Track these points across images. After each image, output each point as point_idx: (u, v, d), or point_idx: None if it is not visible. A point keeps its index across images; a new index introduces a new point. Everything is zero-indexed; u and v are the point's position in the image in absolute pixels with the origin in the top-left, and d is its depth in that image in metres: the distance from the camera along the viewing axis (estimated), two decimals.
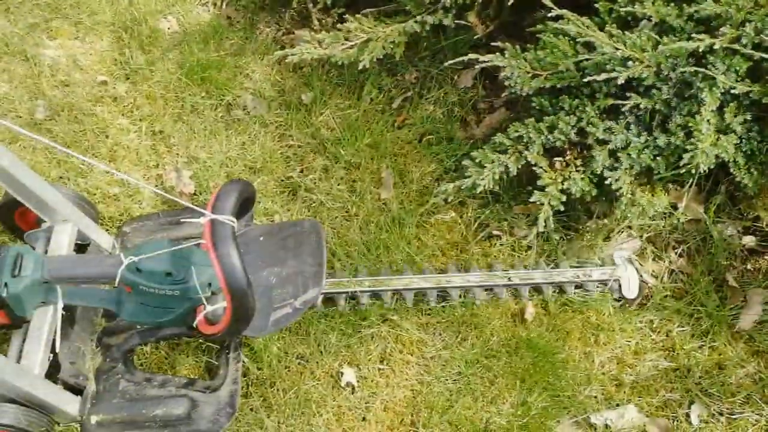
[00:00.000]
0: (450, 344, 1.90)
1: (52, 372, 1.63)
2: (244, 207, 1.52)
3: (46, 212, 1.68)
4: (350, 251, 2.04)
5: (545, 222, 1.91)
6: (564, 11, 1.87)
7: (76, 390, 1.67)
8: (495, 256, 2.06)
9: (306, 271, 1.85)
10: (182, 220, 1.92)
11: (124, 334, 1.79)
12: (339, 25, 2.18)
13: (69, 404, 1.61)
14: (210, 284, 1.59)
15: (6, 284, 1.52)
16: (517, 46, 1.96)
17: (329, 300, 1.94)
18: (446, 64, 2.12)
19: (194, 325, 1.66)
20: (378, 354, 1.89)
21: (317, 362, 1.87)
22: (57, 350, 1.64)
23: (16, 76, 2.37)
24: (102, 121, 2.28)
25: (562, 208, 1.93)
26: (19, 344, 1.63)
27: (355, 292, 1.92)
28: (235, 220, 1.45)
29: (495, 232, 2.10)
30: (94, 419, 1.65)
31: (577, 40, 1.92)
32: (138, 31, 2.46)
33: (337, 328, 1.90)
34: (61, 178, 2.16)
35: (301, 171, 2.21)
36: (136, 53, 2.42)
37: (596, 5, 1.98)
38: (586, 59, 1.90)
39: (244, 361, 1.83)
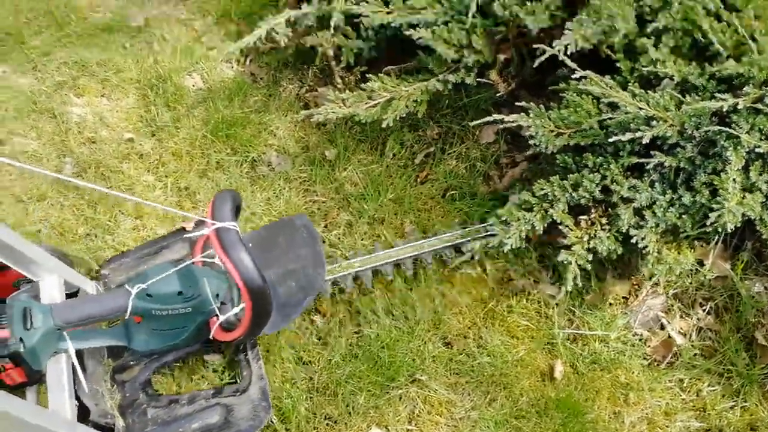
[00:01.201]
0: (479, 405, 1.89)
1: (81, 417, 1.64)
2: (236, 214, 1.62)
3: (31, 268, 1.67)
4: (376, 308, 2.04)
5: (573, 281, 1.91)
6: (588, 72, 1.90)
7: (108, 430, 1.69)
8: (522, 313, 2.06)
9: (305, 263, 1.94)
10: (186, 235, 1.99)
11: (136, 366, 1.83)
12: (362, 85, 2.21)
13: None
14: (218, 294, 1.68)
15: (21, 339, 1.52)
16: (541, 106, 1.98)
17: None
18: (471, 124, 2.15)
19: (210, 338, 1.75)
20: (406, 415, 1.87)
21: (346, 423, 1.85)
22: (82, 394, 1.66)
23: (44, 134, 2.41)
24: (128, 177, 2.31)
25: (589, 267, 1.93)
26: (34, 397, 1.65)
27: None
28: (236, 224, 1.55)
29: (520, 287, 2.10)
30: None
31: (601, 99, 1.95)
32: (163, 88, 2.51)
33: (365, 388, 1.89)
34: (88, 234, 2.18)
35: (326, 226, 2.23)
36: (161, 110, 2.46)
37: (618, 64, 2.01)
38: (610, 118, 1.93)
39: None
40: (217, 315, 1.71)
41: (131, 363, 1.83)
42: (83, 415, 1.67)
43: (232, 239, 1.53)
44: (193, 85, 2.55)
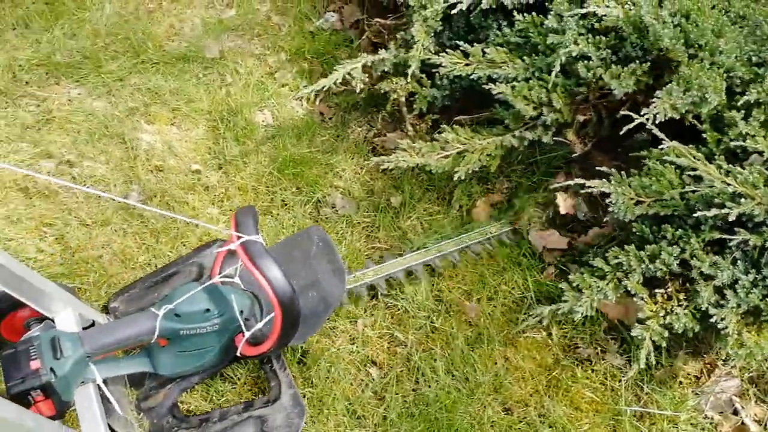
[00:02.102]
0: None
1: None
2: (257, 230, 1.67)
3: (45, 303, 1.66)
4: (436, 366, 1.99)
5: (646, 358, 1.83)
6: (675, 143, 1.84)
7: None
8: (587, 384, 1.98)
9: (324, 273, 1.99)
10: (214, 251, 2.00)
11: (161, 392, 1.82)
12: (436, 135, 2.19)
13: None
14: (242, 311, 1.71)
15: (52, 369, 1.50)
16: (623, 173, 1.93)
17: None
18: (551, 186, 2.10)
19: (238, 354, 1.77)
20: None
21: None
22: (114, 422, 1.64)
23: (113, 159, 2.43)
24: (192, 209, 2.31)
25: (664, 344, 1.85)
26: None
27: None
28: (261, 236, 1.60)
29: (586, 356, 2.03)
30: None
31: (685, 170, 1.89)
32: (234, 122, 2.52)
33: None
34: (148, 264, 2.18)
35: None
36: (230, 144, 2.46)
37: (704, 135, 1.95)
38: (693, 191, 1.86)
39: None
40: (242, 331, 1.73)
41: (154, 391, 1.83)
42: None
43: (260, 251, 1.58)
44: (263, 121, 2.55)
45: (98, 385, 1.63)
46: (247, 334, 1.72)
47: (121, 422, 1.69)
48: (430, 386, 1.95)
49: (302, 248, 2.07)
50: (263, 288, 1.55)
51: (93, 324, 1.80)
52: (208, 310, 1.66)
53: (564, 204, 2.24)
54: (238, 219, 1.64)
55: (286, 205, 2.33)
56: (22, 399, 1.50)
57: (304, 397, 1.93)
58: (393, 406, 1.92)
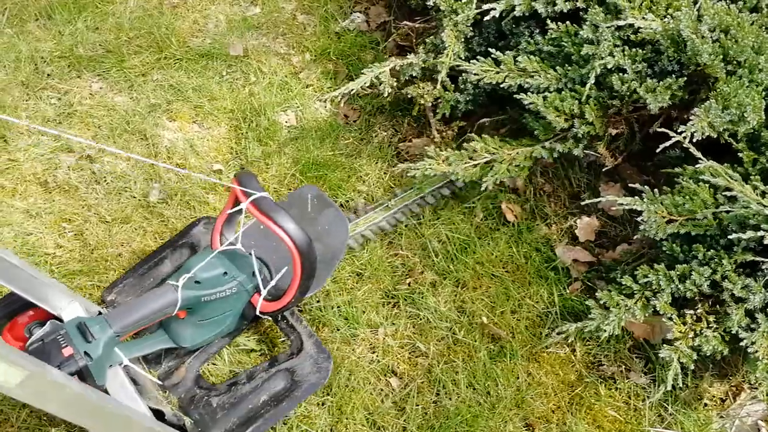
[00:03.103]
0: None
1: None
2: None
3: (52, 300, 1.67)
4: (457, 379, 1.96)
5: (674, 380, 1.80)
6: (712, 162, 1.80)
7: (180, 428, 1.72)
8: (610, 402, 1.95)
9: (325, 225, 2.02)
10: (228, 212, 1.94)
11: (181, 367, 1.85)
12: (465, 145, 2.15)
13: None
14: (253, 273, 1.79)
15: (86, 353, 1.52)
16: (655, 190, 1.89)
17: None
18: (584, 203, 2.07)
19: (258, 312, 1.83)
20: None
21: None
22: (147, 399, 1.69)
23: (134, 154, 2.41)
24: (213, 210, 2.28)
25: (692, 367, 1.82)
26: None
27: None
28: (267, 193, 1.68)
29: (609, 374, 1.99)
30: None
31: (719, 190, 1.86)
32: (257, 121, 2.49)
33: None
34: None
35: (409, 284, 2.16)
36: (252, 144, 2.43)
37: (740, 155, 1.91)
38: (727, 211, 1.83)
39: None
40: (259, 291, 1.81)
41: (174, 367, 1.85)
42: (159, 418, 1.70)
43: (271, 204, 1.66)
44: (286, 122, 2.52)
45: (125, 366, 1.66)
46: (264, 291, 1.80)
47: (153, 400, 1.72)
48: (450, 399, 1.93)
49: (299, 206, 2.12)
50: (281, 238, 1.63)
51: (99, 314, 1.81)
52: (225, 273, 1.73)
53: (584, 229, 2.20)
54: (241, 181, 1.70)
55: None
56: None
57: (323, 405, 1.90)
58: (413, 417, 1.89)
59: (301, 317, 1.95)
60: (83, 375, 1.53)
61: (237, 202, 1.75)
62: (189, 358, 1.86)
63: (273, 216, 1.64)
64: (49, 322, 1.70)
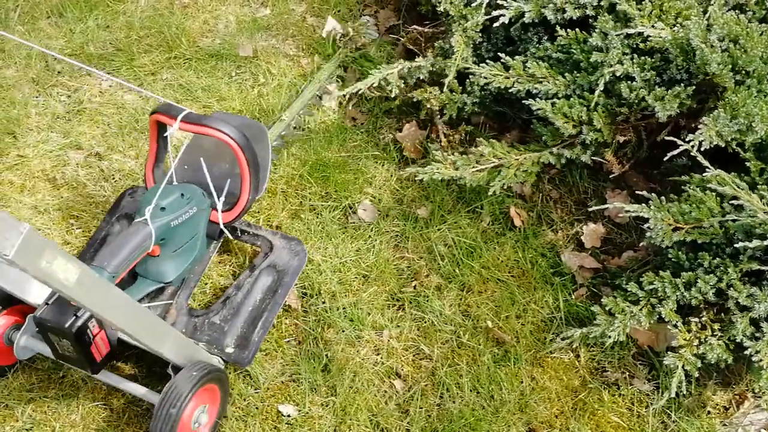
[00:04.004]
0: None
1: None
2: None
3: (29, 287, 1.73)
4: (461, 382, 1.96)
5: (678, 387, 1.81)
6: (720, 171, 1.81)
7: None
8: (613, 408, 1.95)
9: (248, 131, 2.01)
10: (129, 197, 2.18)
11: (171, 309, 1.93)
12: (472, 149, 2.16)
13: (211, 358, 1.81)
14: (203, 193, 1.94)
15: None
16: (662, 198, 1.90)
17: None
18: (590, 209, 2.07)
19: (221, 226, 1.98)
20: None
21: None
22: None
23: (143, 153, 2.42)
24: None
25: (696, 374, 1.82)
26: None
27: None
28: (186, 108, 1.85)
29: (613, 380, 2.00)
30: (230, 349, 1.86)
31: (725, 198, 1.86)
32: (265, 123, 2.49)
33: None
34: None
35: (414, 287, 2.16)
36: None
37: (747, 164, 1.92)
38: (734, 220, 1.83)
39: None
40: (214, 207, 1.97)
41: (164, 311, 1.92)
42: None
43: (200, 116, 1.84)
44: (294, 124, 2.53)
45: None
46: (219, 203, 1.96)
47: None
48: (454, 402, 1.93)
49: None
50: (222, 140, 1.81)
51: None
52: (182, 194, 1.85)
53: (590, 236, 2.21)
54: (163, 110, 1.87)
55: (314, 209, 2.30)
56: (82, 338, 1.57)
57: (327, 406, 1.91)
58: (417, 420, 1.89)
59: (257, 225, 2.13)
60: (100, 321, 1.61)
61: (162, 137, 1.96)
62: (172, 300, 1.94)
63: (207, 123, 1.82)
64: (28, 318, 1.73)
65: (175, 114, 1.83)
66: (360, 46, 2.70)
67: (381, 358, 2.01)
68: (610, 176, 2.17)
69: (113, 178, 2.35)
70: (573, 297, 2.13)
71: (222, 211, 1.98)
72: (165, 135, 1.96)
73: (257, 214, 2.28)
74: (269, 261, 2.02)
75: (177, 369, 1.66)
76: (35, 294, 1.71)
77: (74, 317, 1.55)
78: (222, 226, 2.00)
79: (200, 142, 2.09)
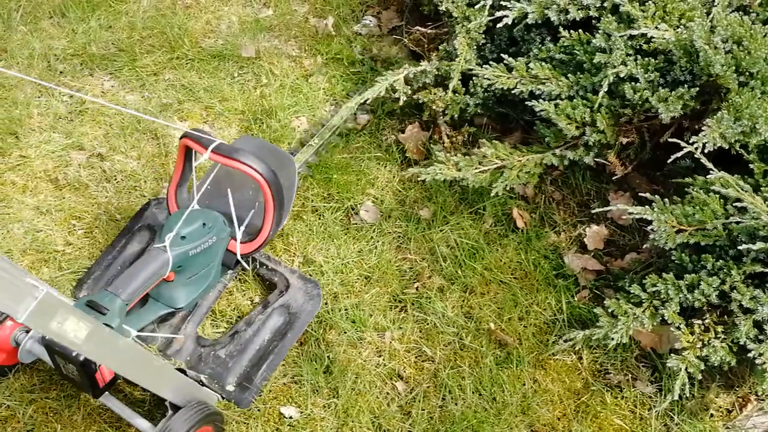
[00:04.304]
0: None
1: None
2: None
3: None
4: (463, 384, 1.96)
5: (681, 389, 1.80)
6: (723, 174, 1.80)
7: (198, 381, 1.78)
8: (616, 411, 1.95)
9: (275, 165, 1.96)
10: (154, 209, 2.17)
11: (178, 335, 1.90)
12: (475, 150, 2.16)
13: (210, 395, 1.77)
14: (224, 221, 1.90)
15: (106, 324, 1.56)
16: (666, 200, 1.90)
17: None
18: (593, 211, 2.07)
19: (238, 257, 1.95)
20: None
21: None
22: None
23: (145, 154, 2.42)
24: None
25: (699, 377, 1.82)
26: None
27: None
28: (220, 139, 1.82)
29: (615, 382, 1.99)
30: (231, 387, 1.82)
31: (728, 200, 1.86)
32: (267, 123, 2.50)
33: None
34: None
35: (417, 289, 2.16)
36: None
37: (750, 166, 1.92)
38: (737, 222, 1.83)
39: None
40: (233, 237, 1.93)
41: (170, 337, 1.90)
42: None
43: (231, 148, 1.80)
44: (299, 126, 2.53)
45: (134, 338, 1.72)
46: (239, 233, 1.92)
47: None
48: (456, 404, 1.93)
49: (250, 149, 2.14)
50: (248, 174, 1.78)
51: None
52: (204, 224, 1.83)
53: (593, 238, 2.21)
54: (192, 138, 1.83)
55: (317, 210, 2.30)
56: (88, 366, 1.56)
57: (329, 407, 1.91)
58: (419, 422, 1.89)
59: (276, 259, 2.05)
60: None
61: (188, 159, 1.92)
62: (182, 325, 1.92)
63: (237, 157, 1.78)
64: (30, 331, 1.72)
65: (206, 144, 1.81)
66: (365, 51, 2.70)
67: (383, 359, 2.01)
68: (613, 178, 2.16)
69: (115, 179, 2.35)
70: (576, 299, 2.13)
71: (241, 242, 1.94)
72: (195, 163, 1.93)
73: None
74: (283, 300, 1.97)
75: (175, 407, 1.64)
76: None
77: None
78: (239, 257, 1.96)
79: (227, 169, 2.04)
